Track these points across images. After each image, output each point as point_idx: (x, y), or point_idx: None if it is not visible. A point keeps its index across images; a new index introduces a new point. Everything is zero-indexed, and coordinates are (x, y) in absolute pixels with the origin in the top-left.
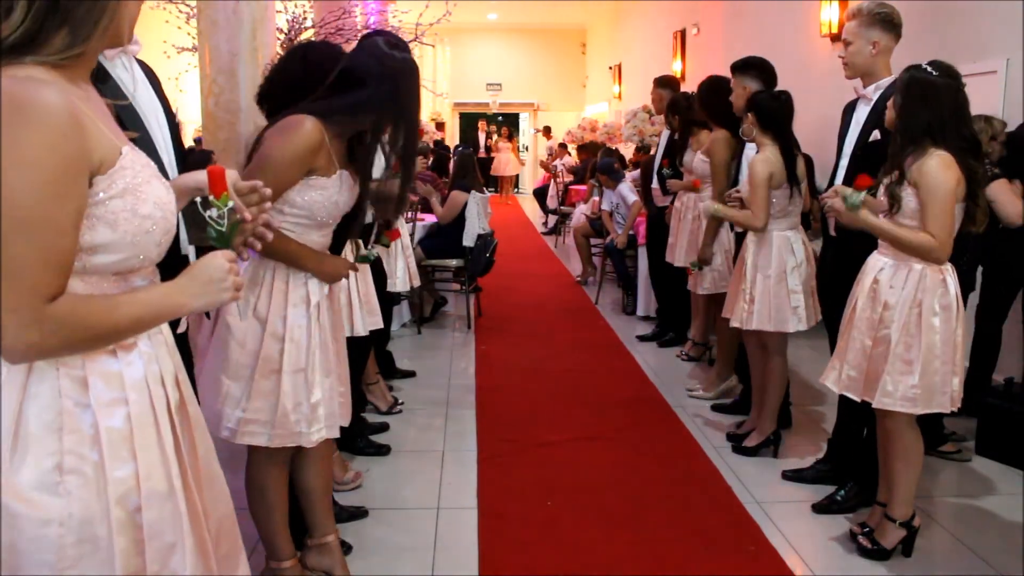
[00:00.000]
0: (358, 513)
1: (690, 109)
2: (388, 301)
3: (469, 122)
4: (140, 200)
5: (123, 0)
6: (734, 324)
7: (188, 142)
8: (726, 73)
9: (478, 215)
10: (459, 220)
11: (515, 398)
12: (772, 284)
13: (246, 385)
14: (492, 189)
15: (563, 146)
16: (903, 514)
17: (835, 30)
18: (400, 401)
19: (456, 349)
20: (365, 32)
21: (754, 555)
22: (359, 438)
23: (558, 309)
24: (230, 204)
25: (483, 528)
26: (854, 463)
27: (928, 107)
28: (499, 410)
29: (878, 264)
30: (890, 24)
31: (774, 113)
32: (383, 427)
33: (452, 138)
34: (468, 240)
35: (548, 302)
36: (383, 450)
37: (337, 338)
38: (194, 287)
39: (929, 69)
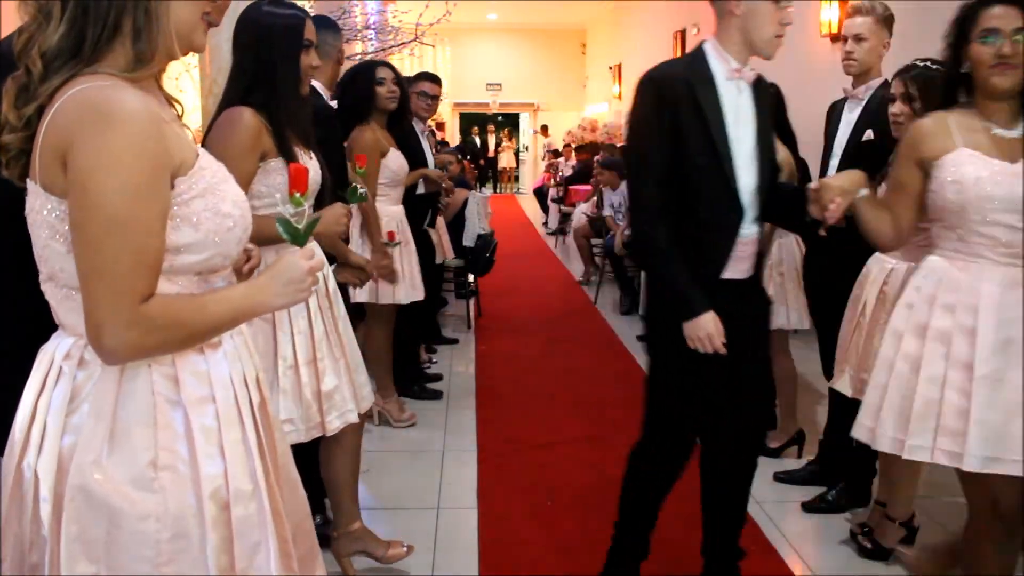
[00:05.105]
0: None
1: None
2: (435, 273)
3: (471, 123)
4: (220, 199)
5: (171, 4)
6: None
7: None
8: None
9: (478, 215)
10: (459, 220)
11: (515, 398)
12: None
13: (270, 388)
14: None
15: (567, 146)
16: (903, 514)
17: (835, 30)
18: (439, 380)
19: (456, 349)
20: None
21: (754, 555)
22: (415, 384)
23: (558, 309)
24: (306, 203)
25: (483, 528)
26: (845, 463)
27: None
28: (499, 410)
29: (886, 266)
30: (892, 27)
31: None
32: (438, 377)
33: (452, 138)
34: (468, 240)
35: (548, 302)
36: (437, 395)
37: (338, 324)
38: (275, 287)
39: (929, 64)
